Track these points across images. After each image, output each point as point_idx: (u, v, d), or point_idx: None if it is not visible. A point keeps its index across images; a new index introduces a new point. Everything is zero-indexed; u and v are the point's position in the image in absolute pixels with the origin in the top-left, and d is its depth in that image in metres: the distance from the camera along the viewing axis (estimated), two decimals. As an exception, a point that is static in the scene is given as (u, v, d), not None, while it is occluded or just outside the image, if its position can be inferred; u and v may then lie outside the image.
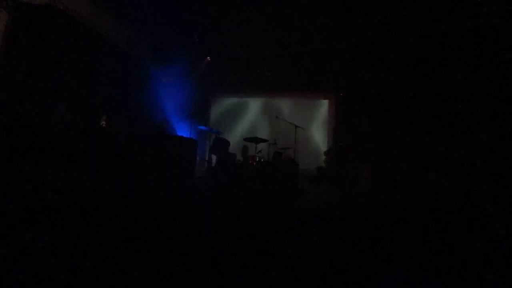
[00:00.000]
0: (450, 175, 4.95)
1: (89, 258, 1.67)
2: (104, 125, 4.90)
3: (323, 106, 9.92)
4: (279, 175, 5.38)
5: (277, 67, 8.63)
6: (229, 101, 10.92)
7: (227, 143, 5.97)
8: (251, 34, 7.24)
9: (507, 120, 4.50)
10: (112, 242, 1.97)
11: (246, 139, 6.15)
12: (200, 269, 1.65)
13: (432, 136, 5.53)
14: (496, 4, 4.58)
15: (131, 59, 6.48)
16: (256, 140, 5.90)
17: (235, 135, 10.32)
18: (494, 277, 1.82)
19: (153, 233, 2.26)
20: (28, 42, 4.09)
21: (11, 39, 4.04)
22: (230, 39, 7.56)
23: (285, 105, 10.37)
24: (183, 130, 6.33)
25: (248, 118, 10.89)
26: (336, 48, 7.38)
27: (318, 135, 9.90)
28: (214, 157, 6.26)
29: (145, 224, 2.49)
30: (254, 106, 10.88)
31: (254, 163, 5.81)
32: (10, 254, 1.64)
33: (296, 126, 6.25)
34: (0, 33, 4.05)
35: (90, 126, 4.57)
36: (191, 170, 4.97)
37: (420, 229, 2.96)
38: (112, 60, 5.69)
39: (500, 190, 4.20)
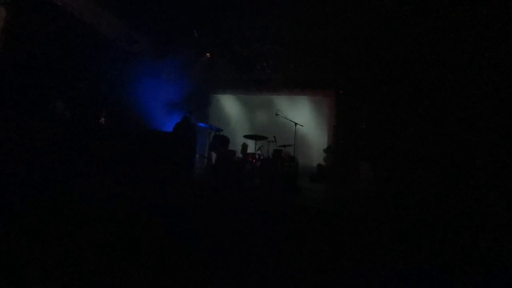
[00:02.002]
0: (450, 173, 4.95)
1: (87, 257, 1.68)
2: (103, 122, 4.90)
3: (323, 104, 9.89)
4: (279, 172, 5.38)
5: (277, 64, 8.60)
6: (229, 98, 10.88)
7: (226, 140, 5.96)
8: (251, 31, 7.21)
9: (508, 117, 4.49)
10: (110, 240, 1.98)
11: (245, 136, 6.14)
12: (199, 267, 1.66)
13: (433, 134, 5.52)
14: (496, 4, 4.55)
15: (130, 56, 6.46)
16: (255, 137, 5.89)
17: (234, 132, 10.31)
18: (495, 278, 1.83)
19: (151, 231, 2.26)
20: (26, 38, 4.08)
21: (9, 35, 4.02)
22: (230, 36, 7.52)
23: (285, 103, 10.33)
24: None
25: (248, 115, 10.86)
26: (336, 46, 7.34)
27: (318, 133, 9.88)
28: (213, 154, 6.26)
29: (144, 221, 2.50)
30: (254, 103, 10.84)
31: (254, 161, 5.82)
32: (12, 253, 1.64)
33: (295, 124, 6.24)
34: (-1, 29, 4.04)
35: (89, 123, 4.57)
36: (190, 167, 4.97)
37: (420, 227, 2.97)
38: (111, 56, 5.68)
39: (500, 189, 4.20)
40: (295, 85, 9.03)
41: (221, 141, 5.89)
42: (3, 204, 2.43)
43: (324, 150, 8.28)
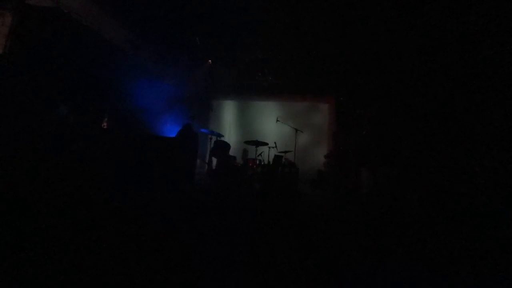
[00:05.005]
0: (450, 179, 4.96)
1: (88, 258, 1.68)
2: (105, 127, 4.93)
3: (324, 110, 9.96)
4: (279, 178, 5.39)
5: (278, 70, 8.68)
6: (230, 104, 10.95)
7: (227, 146, 5.99)
8: (252, 38, 7.30)
9: (507, 121, 4.53)
10: (111, 242, 1.98)
11: (246, 142, 6.17)
12: (199, 270, 1.67)
13: (433, 140, 5.55)
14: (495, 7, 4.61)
15: (133, 61, 6.54)
16: (256, 143, 5.92)
17: (235, 138, 10.34)
18: (495, 280, 1.83)
19: (152, 235, 2.27)
20: (32, 44, 4.14)
21: (16, 41, 4.08)
22: (231, 42, 7.62)
23: (285, 109, 10.40)
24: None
25: (249, 121, 10.91)
26: (337, 53, 7.43)
27: (318, 139, 9.92)
28: (214, 160, 6.28)
29: (145, 225, 2.50)
30: (254, 109, 10.90)
31: (254, 166, 5.83)
32: (11, 254, 1.65)
33: (296, 130, 6.27)
34: (5, 35, 4.10)
35: (92, 127, 4.60)
36: (191, 172, 4.98)
37: (420, 232, 2.97)
38: (115, 62, 5.74)
39: (501, 192, 4.21)
40: (296, 91, 9.10)
41: (222, 146, 5.91)
42: (5, 206, 2.44)
43: (325, 156, 8.29)
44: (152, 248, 1.96)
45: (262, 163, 6.02)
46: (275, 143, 6.18)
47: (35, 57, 4.07)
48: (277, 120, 6.52)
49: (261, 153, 6.22)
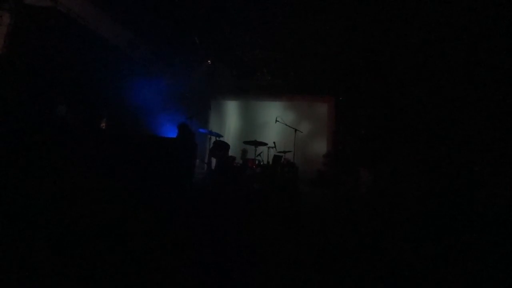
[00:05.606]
0: (449, 179, 4.96)
1: (88, 258, 1.68)
2: (103, 127, 4.92)
3: (323, 110, 9.94)
4: (279, 178, 5.38)
5: (277, 70, 8.67)
6: (229, 104, 10.92)
7: (226, 146, 5.98)
8: (252, 37, 7.29)
9: (507, 122, 4.53)
10: (109, 242, 1.97)
11: (245, 142, 6.16)
12: (198, 271, 1.66)
13: (432, 140, 5.54)
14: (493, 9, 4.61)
15: (132, 61, 6.52)
16: (255, 143, 5.91)
17: (234, 138, 10.31)
18: (494, 280, 1.83)
19: (152, 235, 2.26)
20: (30, 43, 4.13)
21: (14, 41, 4.07)
22: (231, 42, 7.61)
23: (284, 109, 10.38)
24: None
25: (248, 121, 10.88)
26: (336, 53, 7.42)
27: (318, 139, 9.90)
28: (213, 160, 6.27)
29: (144, 226, 2.49)
30: (254, 109, 10.88)
31: (254, 166, 5.82)
32: (11, 254, 1.64)
33: (295, 130, 6.27)
34: (3, 35, 4.09)
35: (90, 127, 4.59)
36: (190, 173, 4.97)
37: (418, 232, 2.97)
38: (114, 61, 5.73)
39: (499, 193, 4.21)
40: (295, 91, 9.09)
41: (221, 147, 5.90)
42: (4, 208, 2.43)
43: (324, 156, 8.28)
44: (151, 248, 1.95)
45: (262, 163, 6.02)
46: (274, 143, 6.18)
47: (33, 57, 4.05)
48: (276, 120, 6.50)
49: (260, 153, 6.21)
